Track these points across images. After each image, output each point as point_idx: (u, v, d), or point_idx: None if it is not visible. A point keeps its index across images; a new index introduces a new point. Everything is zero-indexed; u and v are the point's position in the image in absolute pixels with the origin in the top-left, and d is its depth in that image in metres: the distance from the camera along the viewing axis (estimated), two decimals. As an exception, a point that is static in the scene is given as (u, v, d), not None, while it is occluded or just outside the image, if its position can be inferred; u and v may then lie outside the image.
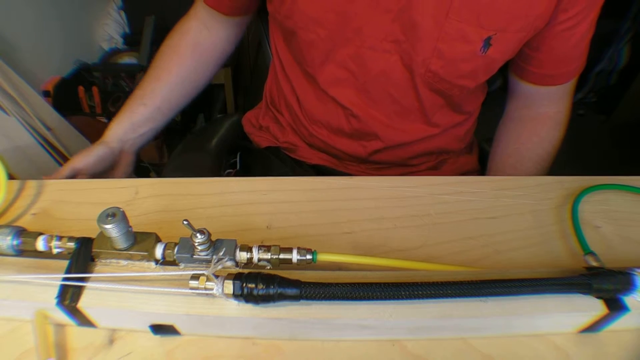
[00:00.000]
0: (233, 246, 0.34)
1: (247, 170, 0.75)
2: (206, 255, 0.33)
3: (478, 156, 0.79)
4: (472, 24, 0.51)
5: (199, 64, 0.68)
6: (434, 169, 0.73)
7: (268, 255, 0.34)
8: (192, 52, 0.67)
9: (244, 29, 0.72)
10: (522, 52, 0.58)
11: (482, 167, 0.78)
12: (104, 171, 0.61)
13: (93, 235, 0.35)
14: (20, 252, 0.36)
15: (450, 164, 0.73)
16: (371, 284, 0.31)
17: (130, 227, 0.33)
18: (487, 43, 0.53)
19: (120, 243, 0.33)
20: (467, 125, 0.71)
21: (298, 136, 0.72)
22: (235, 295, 0.31)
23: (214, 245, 0.34)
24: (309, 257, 0.35)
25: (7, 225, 0.37)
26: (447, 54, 0.54)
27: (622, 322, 0.34)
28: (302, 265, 0.35)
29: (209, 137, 0.79)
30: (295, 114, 0.69)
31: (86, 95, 1.48)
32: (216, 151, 0.77)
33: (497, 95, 0.75)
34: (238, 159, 0.77)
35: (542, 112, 0.66)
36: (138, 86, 0.67)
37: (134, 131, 0.64)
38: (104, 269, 0.34)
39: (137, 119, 0.64)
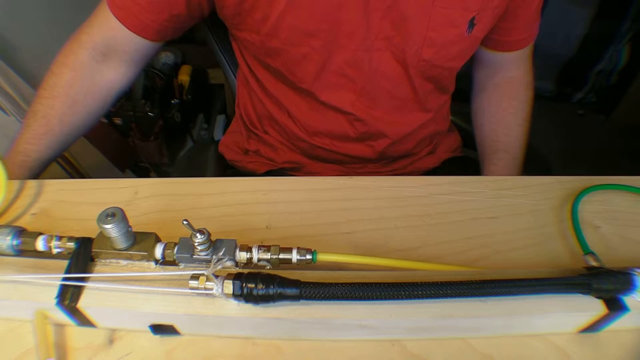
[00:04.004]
0: (233, 246, 0.34)
1: None
2: (206, 255, 0.33)
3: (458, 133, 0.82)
4: (458, 8, 0.54)
5: (93, 108, 0.60)
6: (432, 153, 0.75)
7: (268, 255, 0.34)
8: (86, 96, 0.58)
9: (144, 63, 0.63)
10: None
11: (464, 141, 0.81)
12: None
13: (93, 235, 0.35)
14: (20, 252, 0.36)
15: (443, 144, 0.77)
16: (371, 284, 0.31)
17: (130, 227, 0.33)
18: (472, 23, 0.55)
19: (120, 243, 0.33)
20: (448, 104, 0.73)
21: (297, 153, 0.70)
22: (235, 295, 0.31)
23: (213, 245, 0.34)
24: (308, 257, 0.35)
25: (7, 225, 0.37)
26: (437, 41, 0.56)
27: (622, 322, 0.34)
28: (302, 265, 0.35)
29: (200, 171, 0.76)
30: (289, 131, 0.67)
31: (86, 95, 1.47)
32: None
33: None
34: None
35: (511, 75, 0.71)
36: (28, 132, 0.56)
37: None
38: (103, 269, 0.34)
39: (33, 177, 0.56)
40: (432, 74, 0.60)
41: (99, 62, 0.58)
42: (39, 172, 0.57)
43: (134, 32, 0.56)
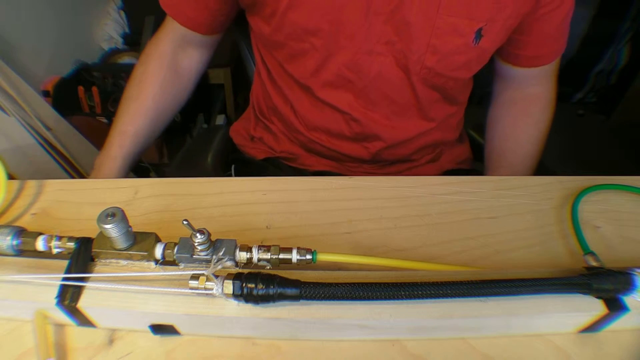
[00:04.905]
0: (233, 246, 0.34)
1: None
2: (206, 255, 0.33)
3: (469, 144, 0.80)
4: (463, 17, 0.52)
5: (179, 90, 0.68)
6: (433, 162, 0.74)
7: (268, 255, 0.34)
8: (172, 78, 0.65)
9: (215, 47, 0.70)
10: (508, 37, 0.60)
11: (475, 155, 0.79)
12: None
13: (93, 235, 0.35)
14: (20, 252, 0.36)
15: (447, 154, 0.75)
16: (371, 284, 0.31)
17: (130, 227, 0.33)
18: (479, 34, 0.54)
19: (120, 243, 0.33)
20: (459, 115, 0.72)
21: (295, 144, 0.71)
22: (235, 295, 0.31)
23: (213, 245, 0.34)
24: (308, 257, 0.35)
25: (7, 225, 0.37)
26: (441, 49, 0.55)
27: (622, 322, 0.34)
28: (302, 265, 0.35)
29: (203, 153, 0.78)
30: (290, 123, 0.68)
31: (86, 95, 1.48)
32: (213, 168, 0.76)
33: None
34: (233, 172, 0.76)
35: (530, 92, 0.68)
36: (123, 115, 0.63)
37: (128, 167, 0.63)
38: (103, 269, 0.34)
39: (131, 160, 0.63)
40: (436, 82, 0.59)
41: (177, 50, 0.65)
42: (135, 157, 0.63)
43: (185, 27, 0.62)
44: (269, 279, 0.31)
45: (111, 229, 0.32)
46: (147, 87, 0.64)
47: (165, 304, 0.32)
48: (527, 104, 0.68)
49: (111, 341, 0.34)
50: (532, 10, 0.55)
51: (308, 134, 0.67)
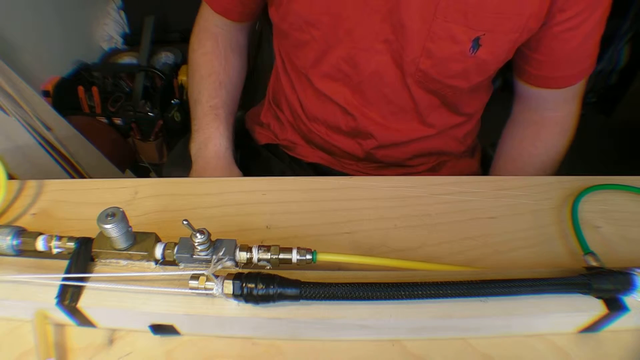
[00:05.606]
0: (233, 246, 0.34)
1: (244, 167, 0.75)
2: (206, 255, 0.33)
3: (480, 161, 0.78)
4: (460, 24, 0.51)
5: (240, 62, 0.71)
6: (432, 171, 0.72)
7: (268, 255, 0.34)
8: (231, 53, 0.69)
9: (253, 25, 0.74)
10: (522, 52, 0.58)
11: (484, 172, 0.77)
12: None
13: (93, 235, 0.35)
14: (20, 252, 0.36)
15: (450, 166, 0.73)
16: (371, 284, 0.31)
17: (130, 227, 0.33)
18: (476, 43, 0.52)
19: (120, 243, 0.33)
20: (467, 128, 0.70)
21: (297, 133, 0.73)
22: (235, 295, 0.31)
23: (213, 245, 0.34)
24: (308, 257, 0.35)
25: (7, 225, 0.37)
26: (436, 54, 0.54)
27: (622, 322, 0.34)
28: (302, 265, 0.35)
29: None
30: (295, 111, 0.69)
31: (86, 95, 1.48)
32: None
33: (497, 96, 0.75)
34: (238, 157, 0.77)
35: (547, 115, 0.64)
36: (203, 93, 0.67)
37: (229, 138, 0.66)
38: (103, 269, 0.34)
39: (229, 129, 0.67)
40: (433, 87, 0.58)
41: (224, 29, 0.68)
42: (231, 128, 0.67)
43: (218, 14, 0.65)
44: (269, 279, 0.31)
45: (111, 229, 0.32)
46: (214, 62, 0.67)
47: (165, 304, 0.32)
48: (540, 128, 0.64)
49: (111, 341, 0.34)
50: (544, 27, 0.52)
51: (309, 124, 0.68)
